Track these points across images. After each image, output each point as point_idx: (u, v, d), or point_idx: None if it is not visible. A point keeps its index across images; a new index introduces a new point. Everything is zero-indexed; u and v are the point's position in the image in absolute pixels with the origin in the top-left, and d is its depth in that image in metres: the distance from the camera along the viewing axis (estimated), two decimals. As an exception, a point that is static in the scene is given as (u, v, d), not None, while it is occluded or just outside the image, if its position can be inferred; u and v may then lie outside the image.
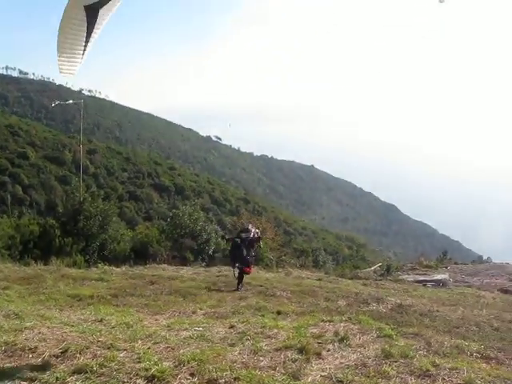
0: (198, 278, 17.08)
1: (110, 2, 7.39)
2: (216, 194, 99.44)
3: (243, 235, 14.49)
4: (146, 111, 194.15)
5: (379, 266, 28.55)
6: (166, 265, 22.16)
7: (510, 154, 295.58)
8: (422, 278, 22.61)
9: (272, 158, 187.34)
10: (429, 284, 21.11)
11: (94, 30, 7.58)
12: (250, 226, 15.26)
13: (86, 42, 7.68)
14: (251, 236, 14.56)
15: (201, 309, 11.30)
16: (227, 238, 15.82)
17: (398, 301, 13.30)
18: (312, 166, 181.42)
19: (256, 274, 19.81)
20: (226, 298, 13.19)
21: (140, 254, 25.91)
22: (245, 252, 14.23)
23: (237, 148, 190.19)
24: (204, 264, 26.31)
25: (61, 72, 8.01)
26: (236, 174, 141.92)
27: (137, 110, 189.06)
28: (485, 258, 52.15)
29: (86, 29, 7.52)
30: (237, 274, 14.48)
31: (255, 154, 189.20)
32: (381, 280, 21.02)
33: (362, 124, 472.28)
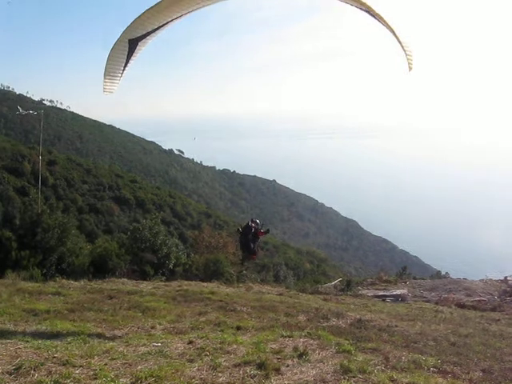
0: (157, 293, 16.90)
1: (148, 37, 10.07)
2: (177, 207, 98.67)
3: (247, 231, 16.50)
4: (108, 123, 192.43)
5: (340, 281, 28.65)
6: (125, 279, 21.88)
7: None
8: (381, 292, 22.80)
9: (234, 172, 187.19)
10: (388, 299, 21.31)
11: (132, 58, 10.32)
12: (249, 223, 16.72)
13: (124, 67, 10.39)
14: (253, 230, 16.36)
15: (160, 324, 11.18)
16: (240, 230, 17.08)
17: (358, 316, 13.38)
18: (274, 180, 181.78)
19: (216, 288, 19.73)
20: (185, 313, 13.07)
21: (99, 268, 25.47)
22: (251, 244, 16.39)
23: (199, 162, 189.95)
24: (164, 278, 26.02)
25: (104, 91, 10.56)
26: (198, 188, 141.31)
27: (98, 122, 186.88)
28: (443, 273, 52.99)
29: (126, 57, 10.25)
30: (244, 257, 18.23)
31: (217, 168, 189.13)
32: (341, 295, 21.17)
33: (323, 139, 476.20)
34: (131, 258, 28.23)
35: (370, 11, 10.48)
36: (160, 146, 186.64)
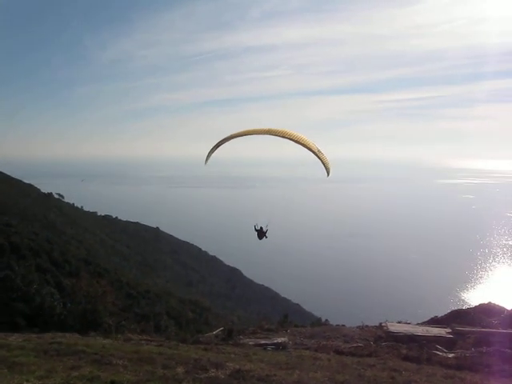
0: (27, 346, 15.82)
1: (223, 144, 21.67)
2: (55, 254, 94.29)
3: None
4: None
5: (221, 330, 28.45)
6: (-8, 332, 20.42)
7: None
8: (262, 341, 22.82)
9: (116, 218, 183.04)
10: (269, 347, 21.37)
11: (215, 151, 22.09)
12: (261, 226, 23.96)
13: (211, 153, 22.20)
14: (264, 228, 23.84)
15: (27, 381, 10.47)
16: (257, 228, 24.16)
17: (237, 366, 13.23)
18: (157, 228, 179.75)
19: (93, 340, 18.88)
20: (56, 367, 12.29)
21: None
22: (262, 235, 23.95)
23: (80, 207, 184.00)
24: (37, 330, 24.57)
25: (205, 163, 22.44)
26: (78, 234, 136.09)
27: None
28: (323, 320, 54.23)
29: (214, 149, 21.95)
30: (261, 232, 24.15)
31: (99, 214, 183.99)
32: (222, 344, 20.93)
33: (208, 187, 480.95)
34: (0, 309, 26.54)
35: (297, 142, 19.85)
36: (39, 189, 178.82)
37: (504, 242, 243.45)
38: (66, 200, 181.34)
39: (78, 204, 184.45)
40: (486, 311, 30.83)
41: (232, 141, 21.40)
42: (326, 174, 21.00)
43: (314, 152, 20.26)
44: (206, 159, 22.30)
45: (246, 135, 20.70)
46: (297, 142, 19.88)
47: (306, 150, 20.08)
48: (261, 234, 24.04)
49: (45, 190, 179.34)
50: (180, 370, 12.59)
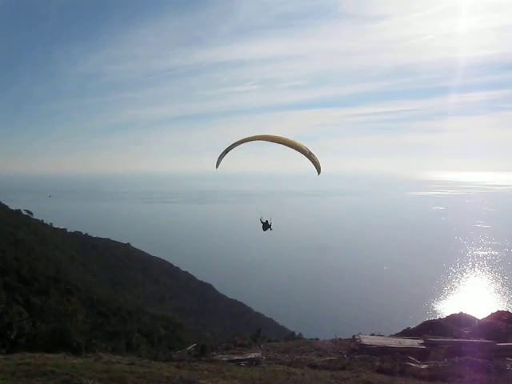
0: (-6, 368, 15.38)
1: (231, 150, 23.45)
2: (24, 272, 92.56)
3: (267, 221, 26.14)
4: None
5: (194, 347, 28.16)
6: (-43, 354, 19.83)
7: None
8: (236, 357, 22.66)
9: (87, 235, 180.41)
10: (243, 363, 21.21)
11: (224, 156, 23.77)
12: (266, 220, 26.17)
13: (221, 159, 23.98)
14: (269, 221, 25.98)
15: (-7, 404, 10.12)
16: (263, 221, 26.22)
17: (210, 383, 13.07)
18: (128, 244, 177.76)
19: (62, 360, 18.48)
20: (24, 389, 11.97)
21: None
22: (267, 227, 26.08)
23: (49, 224, 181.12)
24: (4, 351, 23.95)
25: (216, 167, 24.32)
26: (47, 251, 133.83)
27: None
28: (296, 334, 54.07)
29: (224, 155, 23.62)
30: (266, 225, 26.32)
31: (68, 231, 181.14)
32: (195, 361, 20.68)
33: (179, 203, 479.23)
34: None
35: (291, 147, 22.41)
36: (6, 206, 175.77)
37: (473, 252, 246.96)
38: (34, 217, 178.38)
39: (47, 221, 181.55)
40: (458, 321, 31.14)
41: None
42: (317, 172, 23.77)
43: (305, 154, 22.96)
44: (217, 164, 24.38)
45: (248, 141, 23.20)
46: (290, 145, 22.62)
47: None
48: (265, 226, 26.22)
49: (14, 206, 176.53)
50: (151, 388, 12.38)
